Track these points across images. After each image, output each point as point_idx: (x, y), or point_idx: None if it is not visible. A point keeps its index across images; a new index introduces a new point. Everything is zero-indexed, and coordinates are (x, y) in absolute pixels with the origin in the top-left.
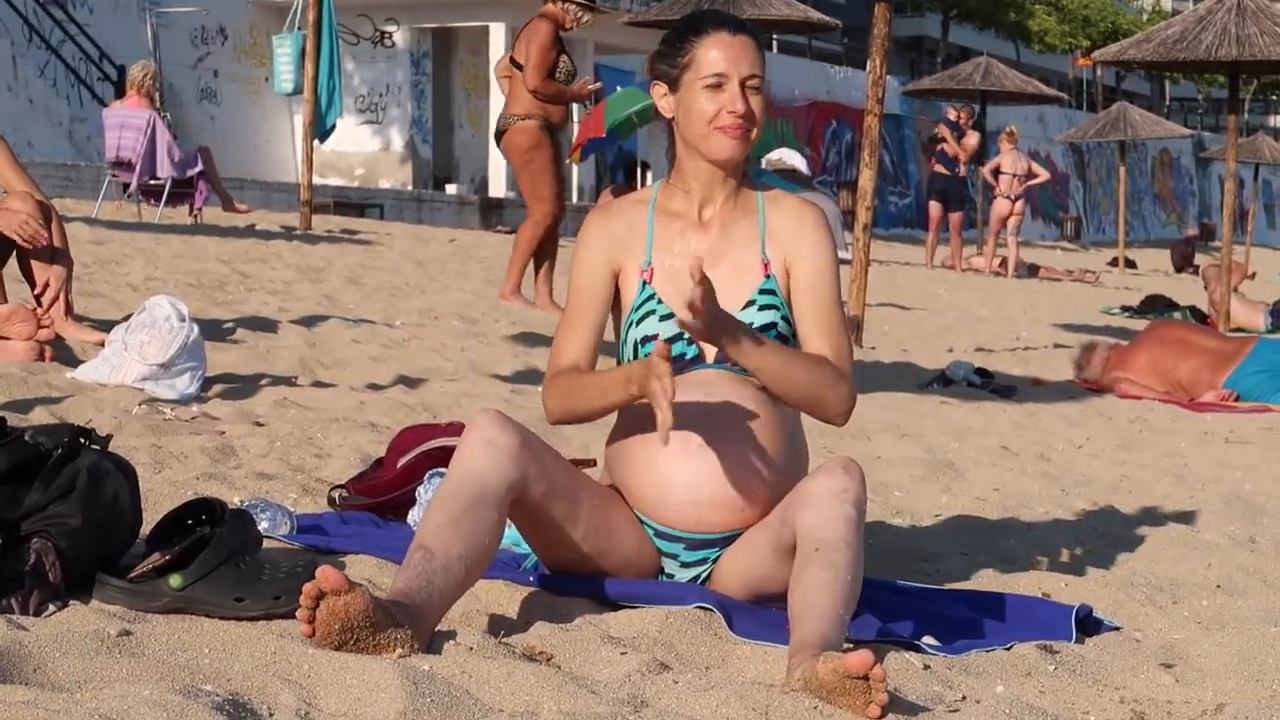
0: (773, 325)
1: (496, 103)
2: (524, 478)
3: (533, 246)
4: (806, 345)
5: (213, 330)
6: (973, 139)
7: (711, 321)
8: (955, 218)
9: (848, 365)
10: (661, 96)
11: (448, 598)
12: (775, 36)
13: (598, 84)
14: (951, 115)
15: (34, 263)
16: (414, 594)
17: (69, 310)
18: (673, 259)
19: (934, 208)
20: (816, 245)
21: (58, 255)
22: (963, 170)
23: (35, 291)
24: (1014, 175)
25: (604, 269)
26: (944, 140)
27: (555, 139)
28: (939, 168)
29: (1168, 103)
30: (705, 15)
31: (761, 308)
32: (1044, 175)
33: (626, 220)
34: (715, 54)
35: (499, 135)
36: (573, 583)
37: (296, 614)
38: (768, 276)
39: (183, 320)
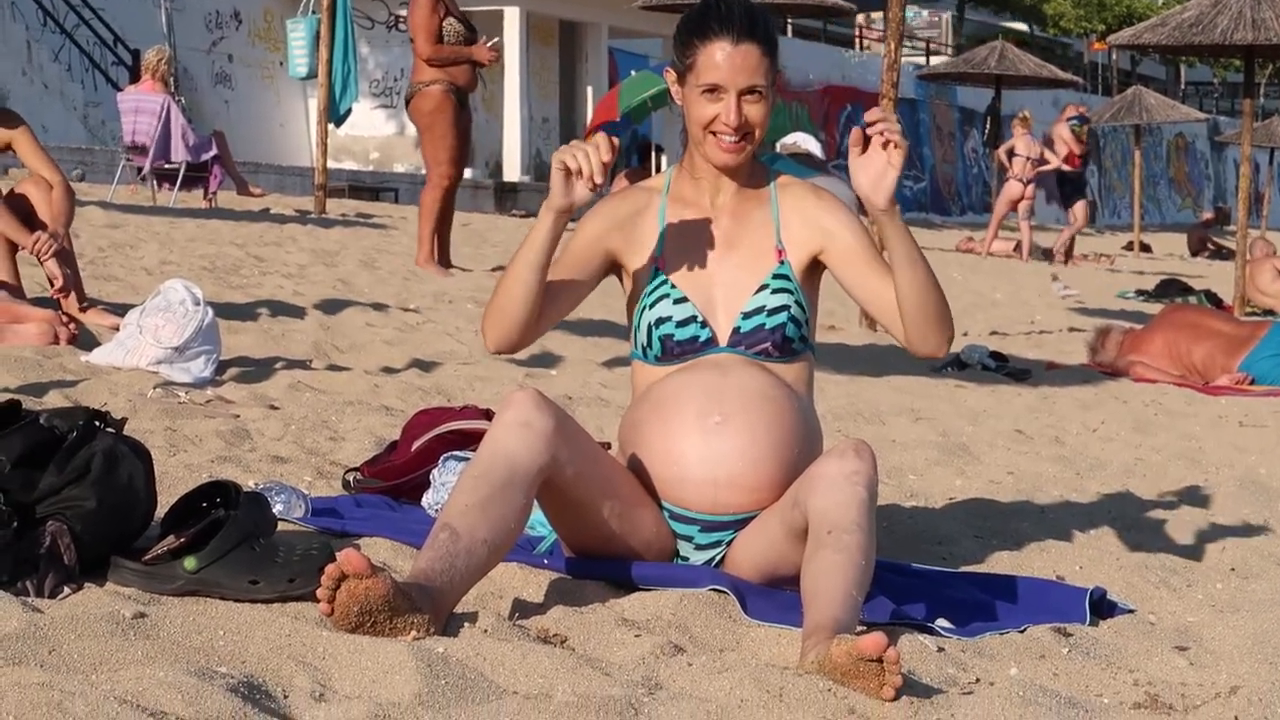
0: (785, 308)
1: (512, 87)
2: (555, 461)
3: (436, 210)
4: (883, 294)
5: (227, 314)
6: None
7: (893, 176)
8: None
9: None
10: (673, 84)
11: (468, 580)
12: (790, 20)
13: (495, 40)
14: (1075, 112)
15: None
16: (436, 576)
17: (81, 300)
18: (685, 245)
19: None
20: (838, 219)
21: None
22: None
23: (53, 292)
24: (1027, 159)
25: (598, 244)
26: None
27: (464, 103)
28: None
29: (1183, 87)
30: (714, 11)
31: (775, 291)
32: (1057, 161)
33: (636, 207)
34: (714, 63)
35: (407, 102)
36: (589, 566)
37: (316, 593)
38: (782, 263)
39: (197, 304)
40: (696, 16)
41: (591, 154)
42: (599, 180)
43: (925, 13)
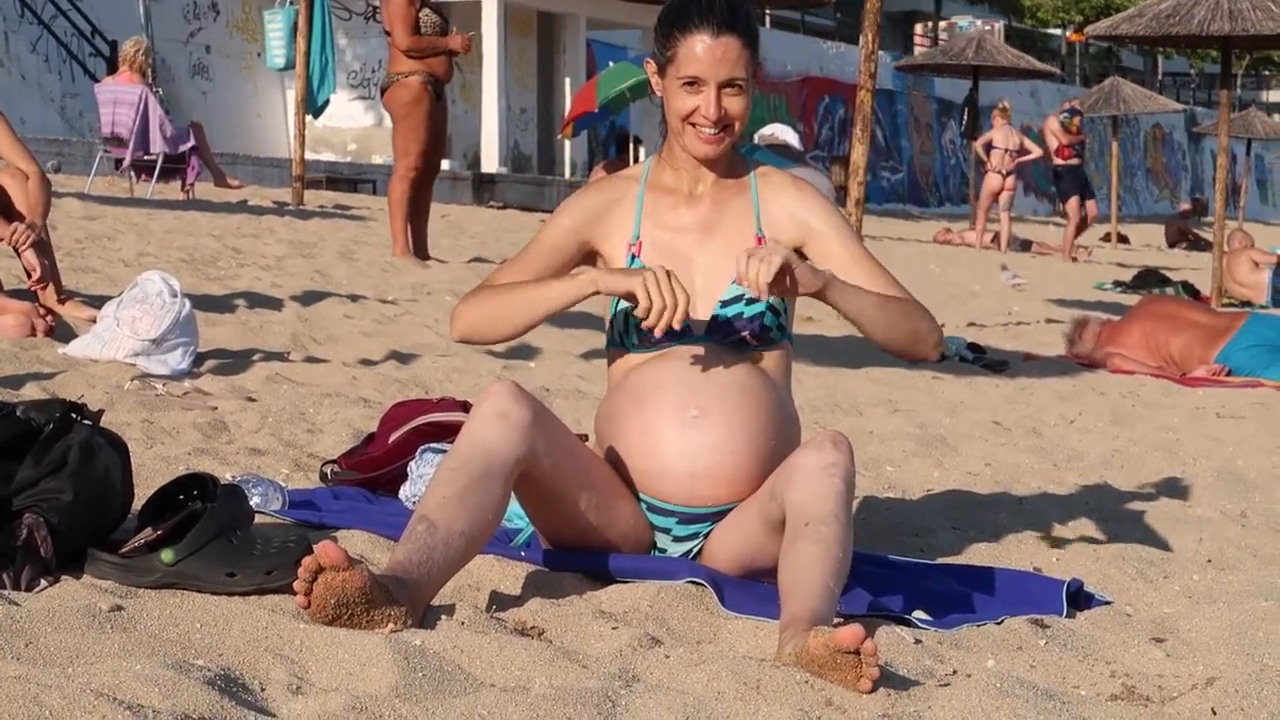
0: None
1: (490, 79)
2: (532, 453)
3: (405, 202)
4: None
5: (205, 305)
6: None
7: (808, 280)
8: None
9: (913, 296)
10: (653, 75)
11: (446, 572)
12: (768, 12)
13: (470, 34)
14: (1067, 105)
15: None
16: (413, 568)
17: (59, 291)
18: (663, 233)
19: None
20: (821, 214)
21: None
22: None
23: (30, 284)
24: (1006, 150)
25: (574, 236)
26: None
27: (440, 95)
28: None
29: (1160, 78)
30: (695, 4)
31: None
32: (1036, 152)
33: (613, 196)
34: (694, 56)
35: (383, 92)
36: (566, 558)
37: (294, 586)
38: None
39: (175, 296)
40: (677, 8)
41: (671, 307)
42: (656, 336)
43: (979, 22)
